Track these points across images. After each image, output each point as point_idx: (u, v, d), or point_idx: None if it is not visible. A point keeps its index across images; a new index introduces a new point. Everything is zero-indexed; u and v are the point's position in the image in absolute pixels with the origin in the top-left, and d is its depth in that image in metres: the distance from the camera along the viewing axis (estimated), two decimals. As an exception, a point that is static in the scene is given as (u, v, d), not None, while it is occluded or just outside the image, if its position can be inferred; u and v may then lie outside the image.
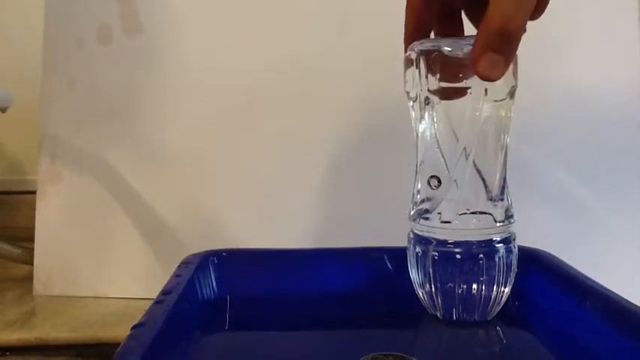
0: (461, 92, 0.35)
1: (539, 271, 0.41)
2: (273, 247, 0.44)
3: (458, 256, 0.36)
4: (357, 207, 0.53)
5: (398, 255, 0.42)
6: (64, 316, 0.49)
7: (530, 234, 0.40)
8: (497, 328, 0.38)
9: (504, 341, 0.38)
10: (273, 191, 0.53)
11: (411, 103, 0.38)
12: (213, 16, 0.54)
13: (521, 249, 0.38)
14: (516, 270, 0.38)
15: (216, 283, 0.42)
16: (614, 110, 0.52)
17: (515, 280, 0.38)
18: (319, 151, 0.53)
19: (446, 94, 0.35)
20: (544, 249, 0.43)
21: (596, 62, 0.53)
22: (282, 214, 0.53)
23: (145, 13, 0.54)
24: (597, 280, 0.36)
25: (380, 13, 0.50)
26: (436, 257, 0.37)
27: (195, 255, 0.42)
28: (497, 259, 0.37)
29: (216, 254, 0.43)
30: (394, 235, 0.40)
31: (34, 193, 0.55)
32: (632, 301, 0.33)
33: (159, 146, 0.54)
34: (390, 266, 0.43)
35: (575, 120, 0.52)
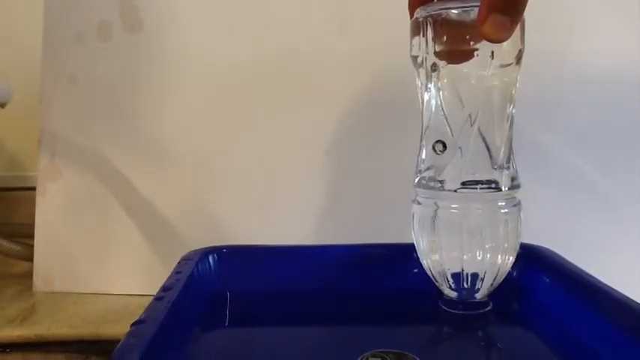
0: (468, 55, 0.35)
1: (541, 269, 0.40)
2: (274, 243, 0.44)
3: (463, 223, 0.36)
4: (359, 203, 0.52)
5: (399, 251, 0.42)
6: (64, 313, 0.49)
7: (536, 213, 0.39)
8: (498, 325, 0.38)
9: (505, 338, 0.38)
10: (273, 187, 0.53)
11: (417, 69, 0.37)
12: (213, 13, 0.54)
13: (522, 246, 0.38)
14: (520, 238, 0.38)
15: (217, 279, 0.41)
16: (628, 90, 0.52)
17: (515, 278, 0.38)
18: (320, 147, 0.53)
19: (453, 58, 0.35)
20: (549, 228, 0.42)
21: (611, 40, 0.52)
22: (283, 210, 0.53)
23: (145, 10, 0.54)
24: (602, 264, 0.36)
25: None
26: (441, 224, 0.37)
27: (195, 251, 0.42)
28: (502, 226, 0.36)
29: (216, 250, 0.42)
30: (396, 232, 0.40)
31: (34, 189, 0.55)
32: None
33: (159, 143, 0.54)
34: (390, 263, 0.43)
35: (587, 100, 0.52)
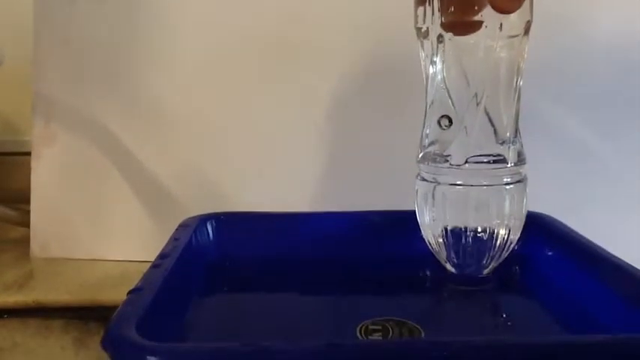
0: (475, 26, 0.34)
1: (543, 236, 0.40)
2: (273, 209, 0.44)
3: (468, 199, 0.36)
4: (360, 171, 0.52)
5: (401, 219, 0.41)
6: (62, 279, 0.49)
7: (541, 184, 0.38)
8: (501, 293, 0.38)
9: (508, 307, 0.37)
10: (273, 153, 0.52)
11: (422, 41, 0.36)
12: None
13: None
14: (526, 214, 0.37)
15: (215, 246, 0.41)
16: (621, 58, 0.51)
17: (518, 246, 0.38)
18: (321, 112, 0.52)
19: (459, 30, 0.34)
20: (553, 201, 0.42)
21: (621, 7, 0.51)
22: (282, 176, 0.52)
23: (140, -33, 0.53)
24: (606, 234, 0.36)
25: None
26: (446, 200, 0.36)
27: (193, 218, 0.41)
28: (508, 202, 0.36)
29: (215, 217, 0.42)
30: (398, 198, 0.40)
31: (30, 154, 0.54)
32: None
33: (157, 106, 0.53)
34: (392, 230, 0.42)
35: (595, 68, 0.51)
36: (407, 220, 0.40)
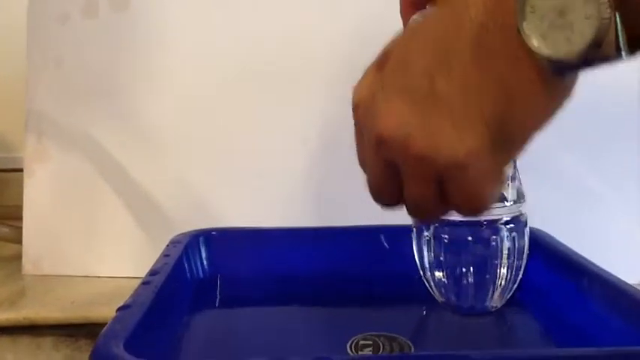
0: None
1: (537, 251, 0.40)
2: (265, 225, 0.44)
3: (468, 240, 0.35)
4: (351, 188, 0.51)
5: (393, 234, 0.41)
6: (54, 296, 0.49)
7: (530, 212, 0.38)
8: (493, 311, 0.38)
9: (499, 320, 0.37)
10: (263, 170, 0.52)
11: None
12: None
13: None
14: (528, 252, 0.37)
15: (206, 262, 0.41)
16: (612, 83, 0.51)
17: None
18: (310, 130, 0.52)
19: None
20: (542, 210, 0.41)
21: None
22: (273, 193, 0.52)
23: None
24: (597, 254, 0.36)
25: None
26: (444, 242, 0.36)
27: (184, 234, 0.41)
28: (509, 242, 0.35)
29: (205, 233, 0.42)
30: (391, 213, 0.39)
31: (22, 170, 0.54)
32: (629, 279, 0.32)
33: (148, 123, 0.53)
34: (385, 245, 0.42)
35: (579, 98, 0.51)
36: (399, 236, 0.40)
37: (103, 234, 0.53)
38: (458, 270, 0.36)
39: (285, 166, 0.52)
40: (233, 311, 0.39)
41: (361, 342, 0.32)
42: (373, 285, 0.41)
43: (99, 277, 0.52)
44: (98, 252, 0.53)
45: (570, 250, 0.38)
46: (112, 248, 0.53)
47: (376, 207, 0.47)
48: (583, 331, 0.33)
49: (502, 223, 0.35)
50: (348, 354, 0.30)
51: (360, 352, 0.31)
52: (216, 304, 0.39)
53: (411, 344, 0.32)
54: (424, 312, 0.39)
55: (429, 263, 0.37)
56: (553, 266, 0.38)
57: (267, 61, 0.52)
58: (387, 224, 0.42)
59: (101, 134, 0.53)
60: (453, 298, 0.37)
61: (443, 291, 0.37)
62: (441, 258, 0.36)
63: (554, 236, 0.41)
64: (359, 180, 0.50)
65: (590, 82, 0.48)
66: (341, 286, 0.40)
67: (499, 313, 0.38)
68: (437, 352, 0.23)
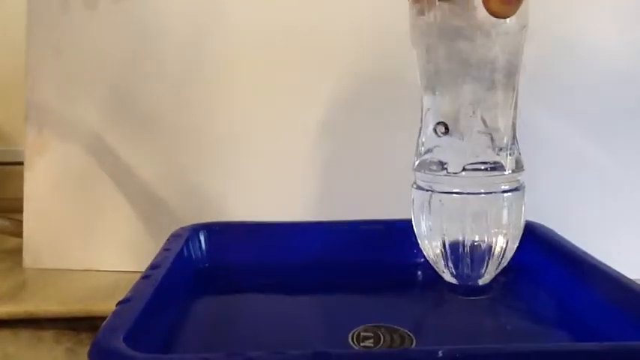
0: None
1: (539, 246, 0.40)
2: (267, 219, 0.44)
3: (466, 207, 0.35)
4: (355, 181, 0.52)
5: (394, 228, 0.41)
6: (54, 290, 0.49)
7: (535, 194, 0.38)
8: (494, 301, 0.38)
9: (501, 315, 0.37)
10: (267, 162, 0.52)
11: (419, 49, 0.36)
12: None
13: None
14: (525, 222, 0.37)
15: (207, 256, 0.41)
16: (618, 68, 0.50)
17: (515, 254, 0.37)
18: (313, 122, 0.52)
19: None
20: (548, 209, 0.42)
21: (612, 16, 0.51)
22: (277, 186, 0.52)
23: (132, -23, 0.53)
24: (601, 245, 0.36)
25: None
26: (443, 209, 0.36)
27: (184, 228, 0.41)
28: (506, 210, 0.36)
29: (207, 227, 0.42)
30: (395, 207, 0.39)
31: (22, 164, 0.54)
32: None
33: (150, 115, 0.53)
34: (385, 239, 0.42)
35: (587, 77, 0.50)
36: (402, 230, 0.40)
37: (104, 227, 0.53)
38: (455, 237, 0.36)
39: (292, 158, 0.52)
40: (234, 305, 0.38)
41: (362, 334, 0.32)
42: (374, 276, 0.41)
43: (100, 270, 0.52)
44: (99, 246, 0.53)
45: (566, 240, 0.38)
46: (112, 242, 0.53)
47: (378, 200, 0.47)
48: (588, 325, 0.33)
49: (500, 192, 0.36)
50: (350, 345, 0.30)
51: (361, 344, 0.31)
52: (217, 298, 0.39)
53: (412, 335, 0.32)
54: (425, 302, 0.39)
55: (427, 231, 0.37)
56: (556, 262, 0.38)
57: (270, 50, 0.52)
58: (387, 218, 0.42)
59: (103, 126, 0.53)
60: (450, 265, 0.37)
61: (440, 258, 0.37)
62: (439, 225, 0.36)
63: (553, 229, 0.41)
64: (365, 173, 0.51)
65: (595, 72, 0.49)
66: (342, 279, 0.40)
67: (502, 307, 0.38)
68: (436, 348, 0.23)
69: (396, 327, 0.32)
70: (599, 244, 0.37)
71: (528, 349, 0.24)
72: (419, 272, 0.40)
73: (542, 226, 0.41)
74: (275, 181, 0.52)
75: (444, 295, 0.38)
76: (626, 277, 0.32)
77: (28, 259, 0.53)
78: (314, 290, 0.39)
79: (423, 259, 0.39)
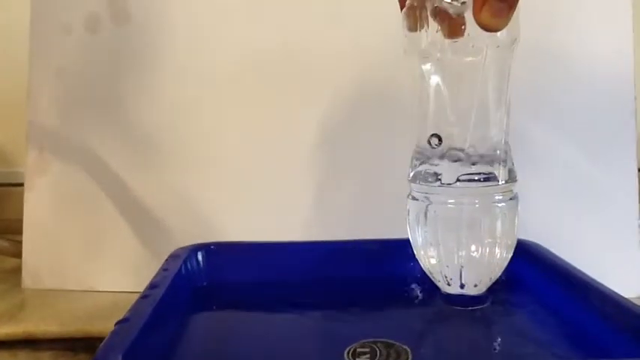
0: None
1: (531, 265, 0.40)
2: (264, 239, 0.44)
3: (460, 218, 0.36)
4: (350, 199, 0.52)
5: (390, 247, 0.41)
6: (53, 310, 0.49)
7: (527, 208, 0.39)
8: (490, 318, 0.38)
9: (497, 331, 0.37)
10: (265, 182, 0.52)
11: (416, 63, 0.37)
12: (202, 5, 0.53)
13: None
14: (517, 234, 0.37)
15: (205, 276, 0.41)
16: (607, 80, 0.51)
17: (507, 273, 0.38)
18: (311, 142, 0.52)
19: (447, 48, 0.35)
20: (540, 223, 0.42)
21: (600, 29, 0.51)
22: (274, 205, 0.52)
23: (133, 2, 0.53)
24: (593, 259, 0.36)
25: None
26: (438, 219, 0.36)
27: (183, 248, 0.42)
28: (500, 220, 0.36)
29: (205, 247, 0.42)
30: (389, 226, 0.40)
31: (22, 185, 0.55)
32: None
33: (150, 137, 0.53)
34: (382, 259, 0.42)
35: (576, 91, 0.51)
36: (399, 248, 0.40)
37: (103, 248, 0.53)
38: (450, 247, 0.36)
39: (289, 178, 0.52)
40: (231, 323, 0.38)
41: (358, 349, 0.32)
42: (371, 292, 0.41)
43: (99, 291, 0.52)
44: (98, 266, 0.53)
45: (564, 261, 0.39)
46: (112, 262, 0.53)
47: (375, 219, 0.48)
48: (580, 341, 0.33)
49: (494, 202, 0.36)
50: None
51: None
52: (215, 317, 0.39)
53: (408, 350, 0.32)
54: (422, 316, 0.39)
55: (422, 242, 0.37)
56: (549, 279, 0.38)
57: (268, 72, 0.53)
58: (384, 238, 0.42)
59: (103, 148, 0.53)
60: (445, 276, 0.37)
61: (435, 270, 0.38)
62: (434, 236, 0.37)
63: (545, 246, 0.42)
64: (363, 192, 0.51)
65: (585, 84, 0.50)
66: (340, 298, 0.41)
67: (497, 323, 0.38)
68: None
69: (392, 342, 0.32)
70: (591, 259, 0.38)
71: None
72: (415, 287, 0.40)
73: (537, 245, 0.42)
74: (273, 199, 0.52)
75: (441, 308, 0.38)
76: (617, 294, 0.32)
77: (27, 280, 0.54)
78: (310, 308, 0.40)
79: (419, 275, 0.40)
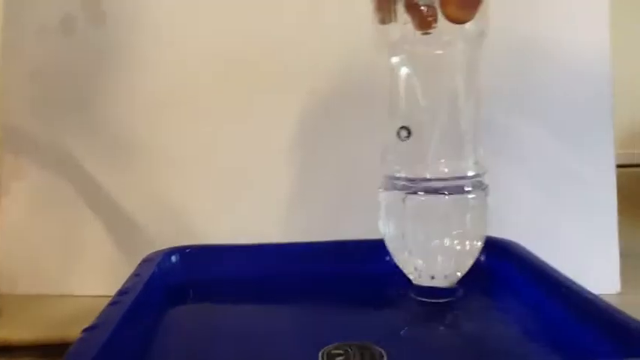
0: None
1: (508, 262, 0.40)
2: (242, 241, 0.43)
3: (430, 210, 0.36)
4: (328, 197, 0.52)
5: (365, 247, 0.41)
6: (30, 316, 0.48)
7: (506, 205, 0.39)
8: (465, 316, 0.38)
9: (472, 329, 0.37)
10: (242, 183, 0.52)
11: (386, 57, 0.37)
12: (177, 5, 0.53)
13: (491, 240, 0.38)
14: (488, 223, 0.37)
15: (179, 280, 0.40)
16: (584, 66, 0.51)
17: (482, 269, 0.38)
18: (288, 142, 0.52)
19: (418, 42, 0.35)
20: (519, 221, 0.42)
21: (580, 25, 0.52)
22: (251, 207, 0.52)
23: (107, 2, 0.53)
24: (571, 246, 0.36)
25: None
26: (408, 211, 0.36)
27: (156, 252, 0.41)
28: (469, 212, 0.36)
29: (179, 251, 0.42)
30: (367, 225, 0.39)
31: (-2, 190, 0.54)
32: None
33: (126, 140, 0.53)
34: (357, 259, 0.42)
35: (558, 88, 0.51)
36: (375, 248, 0.40)
37: (80, 252, 0.53)
38: (420, 239, 0.36)
39: (266, 178, 0.52)
40: (206, 329, 0.38)
41: (333, 351, 0.31)
42: (348, 293, 0.41)
43: (76, 295, 0.52)
44: (75, 271, 0.53)
45: (538, 259, 0.38)
46: (89, 267, 0.53)
47: (356, 221, 0.47)
48: (553, 338, 0.33)
49: (464, 193, 0.36)
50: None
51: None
52: (190, 322, 0.38)
53: (383, 352, 0.31)
54: (397, 316, 0.39)
55: (394, 233, 0.37)
56: (523, 275, 0.38)
57: (247, 74, 0.52)
58: (361, 239, 0.42)
59: (79, 150, 0.53)
60: (416, 267, 0.37)
61: (406, 261, 0.37)
62: (404, 227, 0.37)
63: (524, 241, 0.41)
64: (340, 190, 0.51)
65: (564, 82, 0.49)
66: (316, 299, 0.40)
67: (470, 321, 0.38)
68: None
69: (367, 343, 0.32)
70: (571, 253, 0.38)
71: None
72: (391, 286, 0.40)
73: (513, 242, 0.42)
74: (251, 199, 0.52)
75: (416, 308, 0.38)
76: (592, 294, 0.32)
77: (3, 285, 0.53)
78: (287, 310, 0.39)
79: (396, 275, 0.39)
